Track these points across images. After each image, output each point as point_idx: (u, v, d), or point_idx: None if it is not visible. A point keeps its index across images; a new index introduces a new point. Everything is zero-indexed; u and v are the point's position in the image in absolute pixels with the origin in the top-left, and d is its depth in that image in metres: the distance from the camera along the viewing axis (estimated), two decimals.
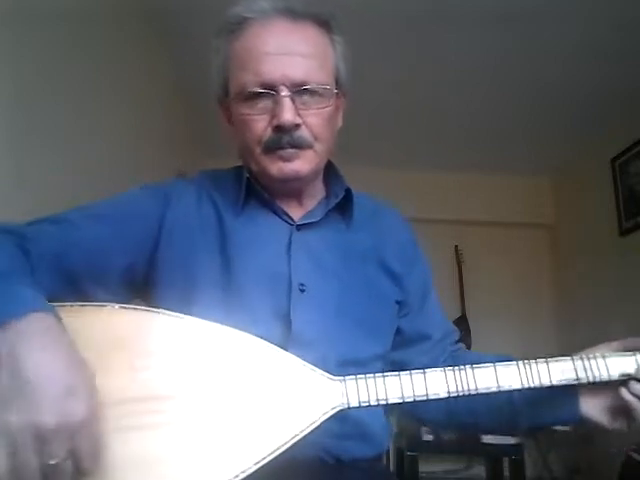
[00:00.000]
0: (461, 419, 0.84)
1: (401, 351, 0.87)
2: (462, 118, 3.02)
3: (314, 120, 0.76)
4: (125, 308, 0.60)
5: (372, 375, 0.61)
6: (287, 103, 0.73)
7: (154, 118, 2.43)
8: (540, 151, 3.37)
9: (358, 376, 0.61)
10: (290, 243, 0.79)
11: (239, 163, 0.86)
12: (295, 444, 0.56)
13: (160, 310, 0.61)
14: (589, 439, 2.85)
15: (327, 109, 0.77)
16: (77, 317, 0.58)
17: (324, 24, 0.79)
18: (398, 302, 0.86)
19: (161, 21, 2.26)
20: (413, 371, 0.62)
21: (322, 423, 0.58)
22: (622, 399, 0.67)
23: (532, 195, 3.67)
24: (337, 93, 0.80)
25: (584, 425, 0.73)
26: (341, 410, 0.59)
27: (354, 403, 0.60)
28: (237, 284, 0.75)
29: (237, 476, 0.53)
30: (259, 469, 0.54)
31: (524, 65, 2.52)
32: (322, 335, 0.74)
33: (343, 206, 0.84)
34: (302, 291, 0.76)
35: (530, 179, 3.67)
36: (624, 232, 2.87)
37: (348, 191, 0.84)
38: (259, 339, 0.61)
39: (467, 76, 2.63)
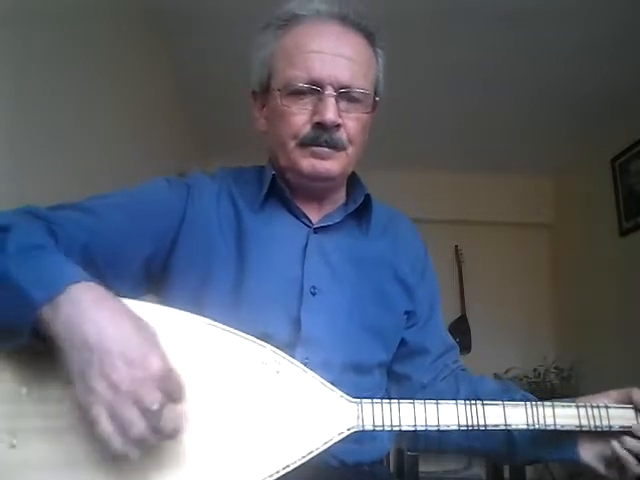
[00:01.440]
0: (457, 444, 0.84)
1: (402, 364, 0.87)
2: (462, 118, 3.02)
3: (352, 124, 0.78)
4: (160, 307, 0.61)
5: (388, 400, 0.63)
6: (332, 102, 0.75)
7: (154, 118, 2.43)
8: (540, 151, 3.37)
9: (374, 400, 0.62)
10: (306, 245, 0.80)
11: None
12: (308, 461, 0.58)
13: (186, 313, 0.61)
14: None
15: (365, 116, 0.80)
16: None
17: (370, 36, 0.81)
18: (407, 312, 0.87)
19: (161, 21, 2.26)
20: (427, 400, 0.64)
21: (336, 443, 0.60)
22: (615, 452, 0.70)
23: (532, 195, 3.67)
24: (374, 103, 0.82)
25: (579, 467, 0.76)
26: (355, 432, 0.61)
27: (368, 426, 0.61)
28: (250, 282, 0.76)
29: None
30: None
31: (524, 65, 2.52)
32: (330, 338, 0.75)
33: (361, 212, 0.85)
34: (313, 294, 0.76)
35: (530, 179, 3.67)
36: (624, 232, 2.87)
37: (367, 197, 0.85)
38: (282, 353, 0.62)
39: (468, 76, 2.63)
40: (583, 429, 0.68)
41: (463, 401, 0.65)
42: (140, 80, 2.20)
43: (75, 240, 0.68)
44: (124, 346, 0.50)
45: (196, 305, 0.68)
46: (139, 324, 0.54)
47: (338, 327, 0.77)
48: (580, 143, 3.21)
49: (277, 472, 0.56)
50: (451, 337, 0.94)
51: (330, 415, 0.61)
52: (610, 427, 0.69)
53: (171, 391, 0.51)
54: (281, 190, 0.81)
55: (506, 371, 3.02)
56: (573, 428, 0.68)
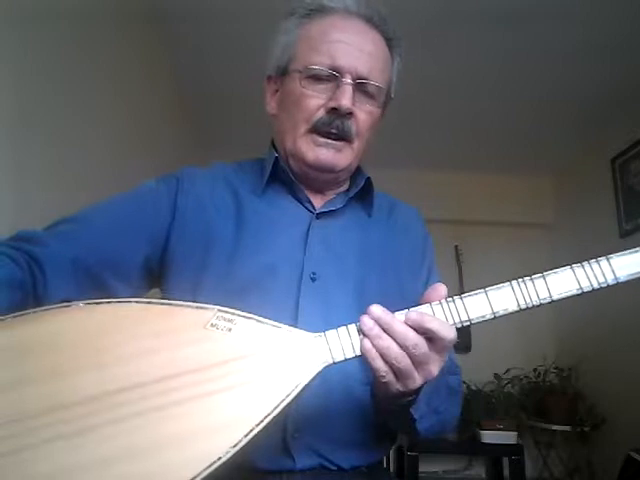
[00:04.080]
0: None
1: None
2: (462, 118, 3.02)
3: (363, 117, 0.80)
4: (90, 304, 0.59)
5: (354, 323, 0.58)
6: (349, 89, 0.77)
7: (154, 118, 2.43)
8: (540, 151, 3.37)
9: (339, 328, 0.58)
10: (308, 231, 0.80)
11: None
12: (285, 408, 0.54)
13: (130, 299, 0.60)
14: (589, 439, 2.85)
15: (376, 111, 0.82)
16: (43, 322, 0.57)
17: (389, 40, 0.85)
18: (413, 295, 0.85)
19: (161, 21, 2.26)
20: (396, 313, 0.59)
21: (309, 382, 0.56)
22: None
23: (532, 195, 3.67)
24: (384, 102, 0.85)
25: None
26: (326, 366, 0.57)
27: (339, 357, 0.57)
28: (244, 266, 0.75)
29: (220, 458, 0.51)
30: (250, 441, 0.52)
31: (525, 65, 2.52)
32: (329, 324, 0.74)
33: (363, 196, 0.86)
34: (313, 280, 0.76)
35: (530, 179, 3.67)
36: (624, 234, 2.87)
37: (368, 180, 0.86)
38: (232, 309, 0.59)
39: (468, 76, 2.63)
40: (585, 291, 0.59)
41: (438, 302, 0.59)
42: (140, 80, 2.19)
43: (63, 256, 0.68)
44: None
45: (194, 292, 0.69)
46: None
47: (338, 313, 0.75)
48: (580, 143, 3.21)
49: (251, 430, 0.52)
50: None
51: (297, 357, 0.57)
52: (617, 280, 0.59)
53: None
54: (284, 173, 0.82)
55: (506, 371, 3.02)
56: (575, 292, 0.59)
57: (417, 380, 0.57)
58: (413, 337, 0.55)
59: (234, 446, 0.51)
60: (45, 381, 0.54)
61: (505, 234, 3.64)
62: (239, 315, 0.58)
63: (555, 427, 2.90)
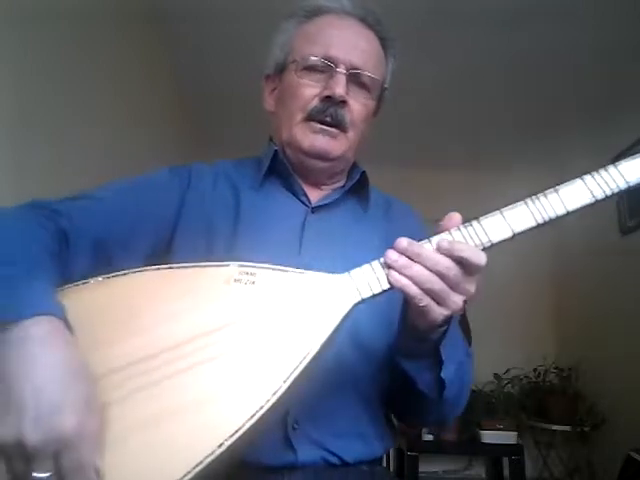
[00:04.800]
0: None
1: None
2: (462, 118, 3.02)
3: (358, 107, 0.82)
4: (109, 277, 0.60)
5: (377, 260, 0.59)
6: (342, 79, 0.79)
7: (153, 118, 2.43)
8: (540, 151, 3.37)
9: (362, 266, 0.59)
10: (304, 224, 0.81)
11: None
12: (322, 348, 0.55)
13: (147, 267, 0.60)
14: (589, 439, 2.85)
15: (370, 103, 0.84)
16: (69, 299, 0.57)
17: (383, 40, 0.87)
18: None
19: (161, 21, 2.27)
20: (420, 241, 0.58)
21: (341, 322, 0.57)
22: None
23: (532, 195, 3.66)
24: (379, 97, 0.88)
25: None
26: (356, 304, 0.58)
27: (367, 293, 0.57)
28: (244, 261, 0.76)
29: (268, 400, 0.52)
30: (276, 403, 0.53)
31: (525, 65, 2.52)
32: None
33: (359, 191, 0.88)
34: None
35: (530, 179, 3.66)
36: (626, 231, 2.87)
37: (364, 174, 0.88)
38: (252, 263, 0.59)
39: (468, 76, 2.63)
40: (598, 199, 0.59)
41: (457, 227, 0.59)
42: (140, 80, 2.20)
43: (86, 232, 0.70)
44: (42, 401, 0.47)
45: None
46: (76, 376, 0.50)
47: None
48: (580, 142, 3.21)
49: (296, 368, 0.53)
50: None
51: (325, 298, 0.58)
52: (628, 185, 0.59)
53: (64, 465, 0.46)
54: (282, 165, 0.84)
55: (506, 371, 3.02)
56: (588, 202, 0.59)
57: (457, 300, 0.57)
58: (445, 261, 0.56)
59: (274, 393, 0.52)
60: None
61: None
62: (260, 267, 0.59)
63: (555, 427, 2.90)
